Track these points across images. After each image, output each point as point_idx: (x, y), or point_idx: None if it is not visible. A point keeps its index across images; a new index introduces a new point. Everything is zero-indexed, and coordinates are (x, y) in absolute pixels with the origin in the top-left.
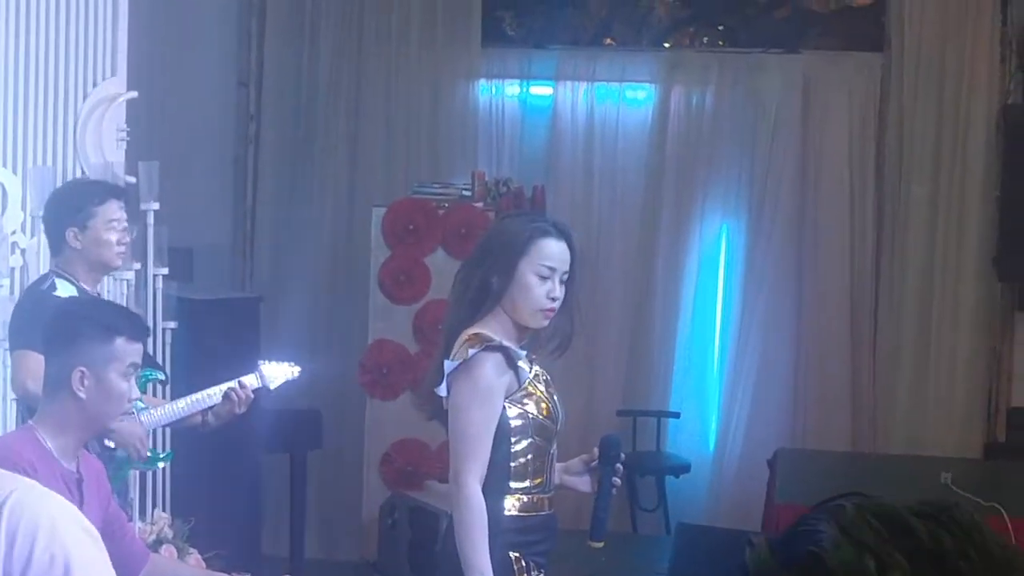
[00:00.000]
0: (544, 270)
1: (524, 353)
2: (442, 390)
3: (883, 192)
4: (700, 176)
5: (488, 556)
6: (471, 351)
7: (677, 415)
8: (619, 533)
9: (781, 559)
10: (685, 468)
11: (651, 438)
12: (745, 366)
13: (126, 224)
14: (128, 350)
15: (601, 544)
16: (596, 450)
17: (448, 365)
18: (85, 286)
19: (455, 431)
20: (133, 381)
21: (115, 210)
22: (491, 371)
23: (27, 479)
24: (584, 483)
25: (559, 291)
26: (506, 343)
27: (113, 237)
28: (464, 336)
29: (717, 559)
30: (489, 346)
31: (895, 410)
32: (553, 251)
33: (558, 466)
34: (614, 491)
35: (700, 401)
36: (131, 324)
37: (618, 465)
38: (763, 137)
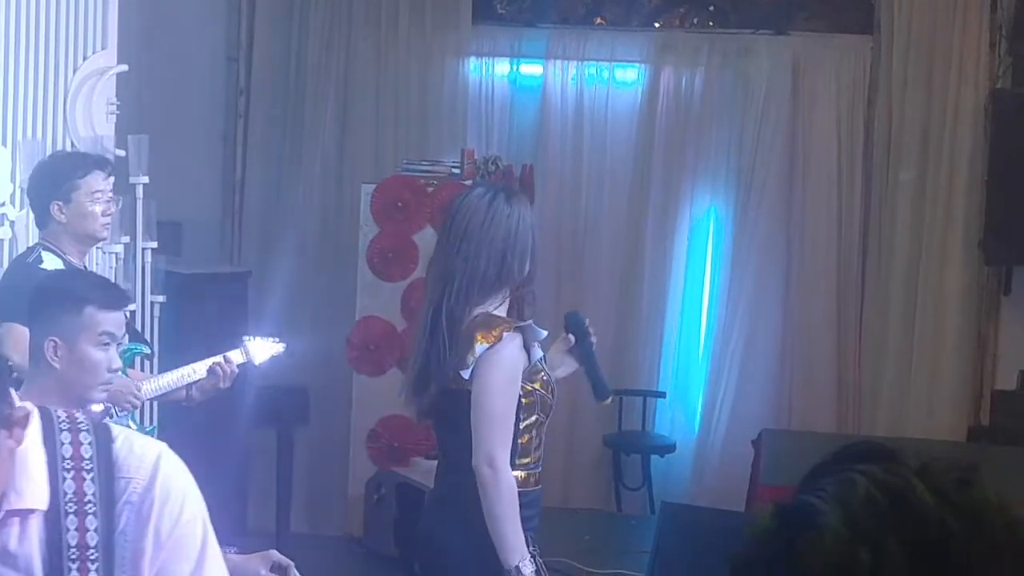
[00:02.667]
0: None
1: (544, 334)
2: (467, 373)
3: (870, 175)
4: (688, 157)
5: (523, 536)
6: (505, 335)
7: (663, 395)
8: (603, 512)
9: (777, 532)
10: (670, 448)
11: (637, 418)
12: (731, 347)
13: (111, 196)
14: (99, 319)
15: (609, 400)
16: (568, 335)
17: (480, 349)
18: (72, 258)
19: (485, 413)
20: (112, 351)
21: (99, 182)
22: (516, 352)
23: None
24: (570, 364)
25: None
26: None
27: (98, 209)
28: (477, 319)
29: (701, 538)
30: (515, 327)
31: (880, 392)
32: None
33: None
34: (591, 354)
35: (686, 381)
36: (104, 293)
37: (589, 333)
38: (752, 119)
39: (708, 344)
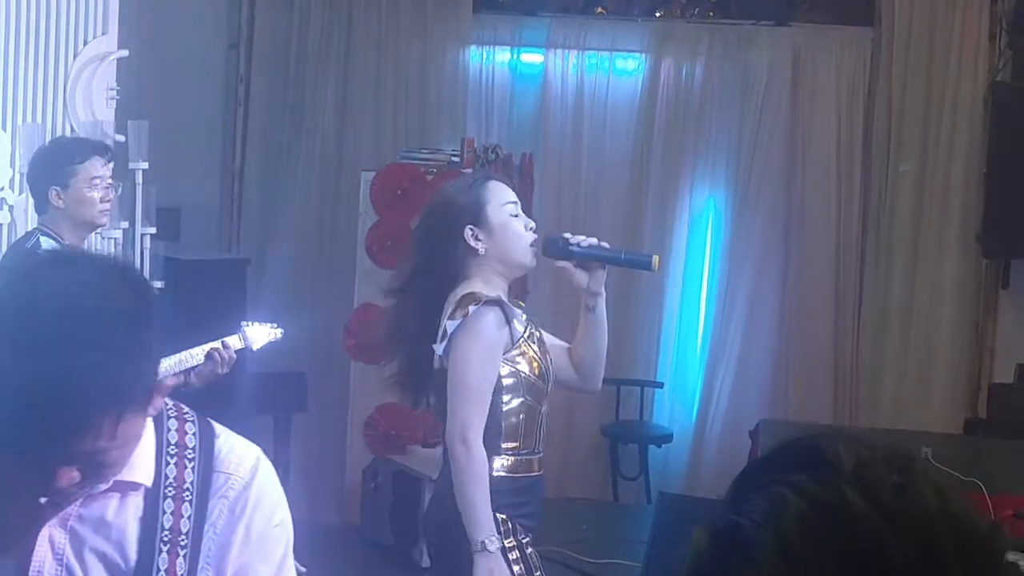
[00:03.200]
0: (511, 207)
1: (520, 312)
2: (440, 349)
3: (870, 167)
4: (688, 147)
5: (491, 516)
6: (472, 308)
7: (661, 385)
8: (600, 502)
9: (713, 560)
10: (668, 438)
11: (634, 407)
12: (729, 338)
13: (110, 182)
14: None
15: (657, 262)
16: (561, 263)
17: (450, 324)
18: (70, 244)
19: (458, 386)
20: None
21: (98, 168)
22: (492, 325)
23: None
24: (597, 280)
25: (530, 220)
26: (503, 298)
27: (96, 195)
28: (457, 296)
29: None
30: (488, 301)
31: (877, 384)
32: (506, 189)
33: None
34: (596, 248)
35: (684, 372)
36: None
37: (571, 244)
38: (751, 110)
39: (706, 335)
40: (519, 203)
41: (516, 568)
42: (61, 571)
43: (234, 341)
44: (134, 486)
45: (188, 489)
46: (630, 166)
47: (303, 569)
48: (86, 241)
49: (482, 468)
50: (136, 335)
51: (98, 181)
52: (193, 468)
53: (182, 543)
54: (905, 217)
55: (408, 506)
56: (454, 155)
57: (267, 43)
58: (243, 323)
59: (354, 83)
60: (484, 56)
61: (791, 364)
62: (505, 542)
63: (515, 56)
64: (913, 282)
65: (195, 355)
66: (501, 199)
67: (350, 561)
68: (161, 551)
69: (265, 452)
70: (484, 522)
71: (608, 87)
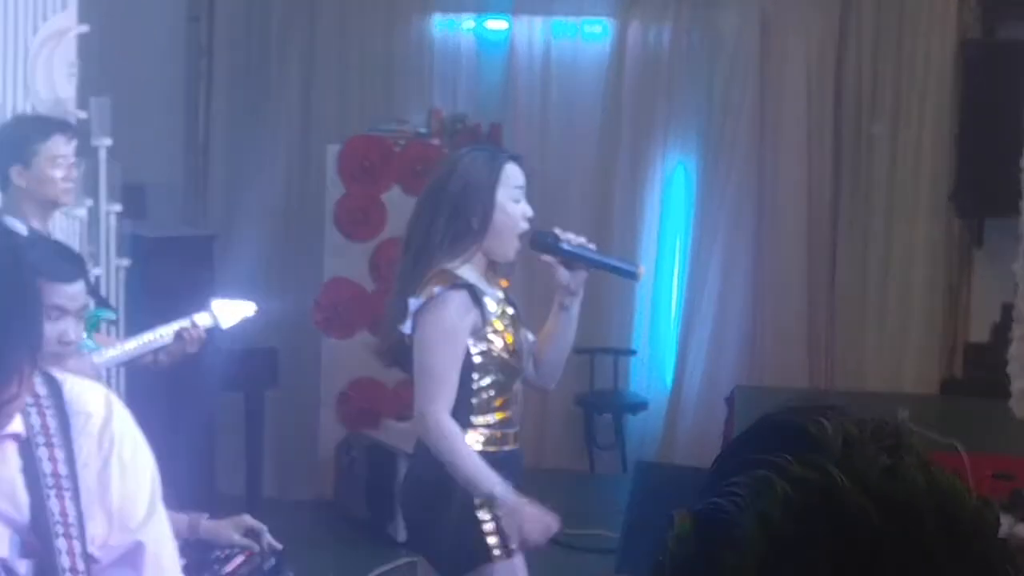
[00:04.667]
0: (518, 193)
1: (497, 293)
2: (407, 327)
3: (841, 129)
4: (658, 114)
5: (486, 467)
6: (436, 289)
7: (634, 353)
8: (576, 471)
9: (696, 545)
10: (643, 406)
11: (608, 376)
12: (703, 304)
13: (73, 160)
14: (48, 291)
15: (642, 271)
16: (545, 258)
17: (413, 303)
18: (34, 223)
19: (421, 369)
20: (65, 323)
21: (60, 146)
22: (455, 310)
23: None
24: (578, 278)
25: (529, 209)
26: (472, 281)
27: (58, 174)
28: (430, 273)
29: (676, 497)
30: (455, 284)
31: (853, 347)
32: (518, 173)
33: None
34: (584, 250)
35: (658, 339)
36: (54, 266)
37: (561, 241)
38: (721, 75)
39: (680, 302)
40: (524, 188)
41: (491, 540)
42: None
43: (203, 319)
44: (14, 436)
45: (54, 434)
46: (599, 133)
47: (279, 546)
48: (50, 220)
49: (457, 436)
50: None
51: (61, 160)
52: (52, 414)
53: (65, 487)
54: (878, 178)
55: (383, 480)
56: (421, 126)
57: (229, 15)
58: (213, 300)
59: (319, 54)
60: (448, 24)
61: (766, 329)
62: (480, 514)
63: (480, 23)
64: (887, 243)
65: (164, 334)
66: (513, 183)
67: (325, 536)
68: (49, 497)
69: (236, 429)
70: (484, 476)
71: (575, 53)
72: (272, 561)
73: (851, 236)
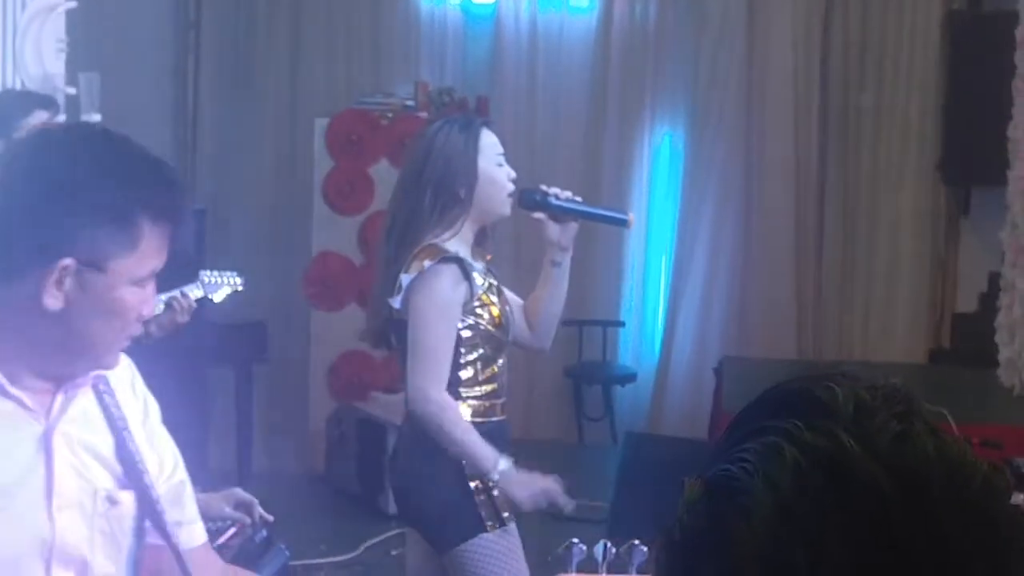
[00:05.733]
0: (500, 158)
1: (480, 266)
2: (396, 302)
3: (828, 101)
4: (645, 84)
5: (483, 441)
6: (427, 263)
7: (623, 324)
8: (565, 443)
9: (706, 511)
10: (631, 377)
11: (597, 348)
12: (691, 276)
13: None
14: None
15: (631, 218)
16: (535, 215)
17: (404, 278)
18: None
19: (415, 345)
20: None
21: (42, 121)
22: (448, 283)
23: None
24: (568, 232)
25: (512, 171)
26: (461, 254)
27: None
28: (417, 249)
29: (665, 467)
30: (444, 258)
31: (840, 317)
32: (495, 139)
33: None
34: (573, 203)
35: (646, 310)
36: None
37: (549, 196)
38: (707, 47)
39: (668, 273)
40: (503, 152)
41: (484, 512)
42: (71, 472)
43: (193, 290)
44: (98, 378)
45: (104, 383)
46: (587, 105)
47: (270, 518)
48: None
49: (455, 411)
50: None
51: None
52: None
53: (129, 426)
54: (865, 149)
55: (373, 453)
56: (408, 99)
57: None
58: (203, 272)
59: (306, 28)
60: None
61: (753, 300)
62: (472, 484)
63: None
64: (874, 213)
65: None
66: (492, 149)
67: (316, 509)
68: (122, 434)
69: (226, 403)
70: (485, 455)
71: (562, 26)
72: (263, 533)
73: (838, 207)
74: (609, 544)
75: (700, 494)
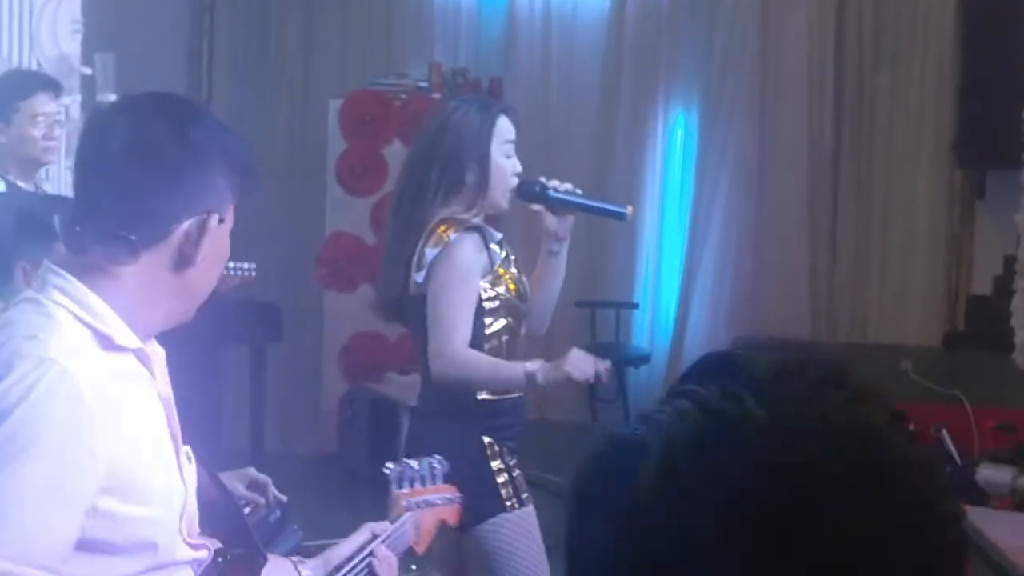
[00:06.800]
0: (509, 148)
1: (499, 236)
2: (420, 276)
3: (843, 81)
4: (659, 64)
5: (508, 363)
6: (452, 235)
7: (636, 306)
8: (578, 424)
9: (603, 464)
10: (645, 359)
11: (611, 329)
12: (705, 257)
13: (59, 118)
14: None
15: (630, 210)
16: (534, 207)
17: (430, 252)
18: (17, 181)
19: (436, 312)
20: None
21: (43, 104)
22: (470, 251)
23: None
24: (565, 224)
25: (519, 164)
26: (481, 224)
27: (39, 133)
28: (435, 221)
29: None
30: (467, 227)
31: (854, 298)
32: (510, 126)
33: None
34: (572, 195)
35: (660, 292)
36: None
37: (548, 188)
38: (722, 27)
39: (681, 254)
40: (515, 142)
41: (504, 491)
42: (175, 421)
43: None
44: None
45: None
46: (600, 86)
47: (283, 498)
48: (35, 177)
49: (476, 356)
50: None
51: (42, 118)
52: None
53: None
54: (879, 130)
55: (386, 433)
56: (422, 80)
57: None
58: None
59: (320, 9)
60: None
61: (767, 281)
62: (493, 464)
63: None
64: (888, 195)
65: None
66: (504, 137)
67: (328, 490)
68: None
69: (240, 383)
70: (515, 371)
71: (575, 6)
72: (277, 513)
73: (852, 188)
74: None
75: (604, 448)
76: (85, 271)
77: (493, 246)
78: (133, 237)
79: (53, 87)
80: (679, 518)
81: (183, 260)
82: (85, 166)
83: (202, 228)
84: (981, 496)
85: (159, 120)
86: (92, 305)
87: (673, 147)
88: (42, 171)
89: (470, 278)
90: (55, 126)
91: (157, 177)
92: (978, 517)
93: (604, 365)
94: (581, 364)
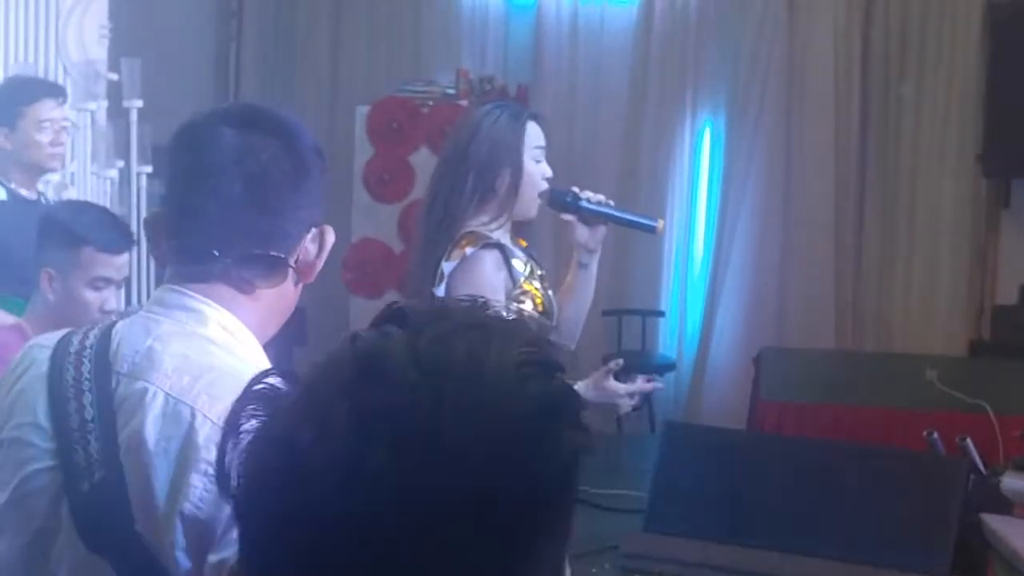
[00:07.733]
0: (539, 153)
1: (522, 252)
2: (440, 290)
3: (869, 90)
4: (686, 73)
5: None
6: (469, 250)
7: (662, 314)
8: (603, 432)
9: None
10: (670, 367)
11: (636, 337)
12: (731, 265)
13: (65, 125)
14: (96, 261)
15: (661, 224)
16: (565, 217)
17: (447, 266)
18: (20, 189)
19: None
20: (108, 292)
21: (48, 110)
22: (490, 268)
23: None
24: (596, 235)
25: (549, 169)
26: (502, 241)
27: (44, 138)
28: (458, 236)
29: (703, 456)
30: (487, 244)
31: (880, 308)
32: (539, 132)
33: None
34: (604, 207)
35: (686, 300)
36: (104, 235)
37: (581, 199)
38: (749, 35)
39: (707, 262)
40: (545, 148)
41: None
42: None
43: None
44: None
45: None
46: (627, 94)
47: None
48: (39, 184)
49: None
50: None
51: (47, 124)
52: None
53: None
54: (905, 139)
55: None
56: (449, 87)
57: None
58: None
59: (347, 15)
60: None
61: (793, 290)
62: None
63: None
64: (914, 204)
65: None
66: (533, 142)
67: None
68: None
69: None
70: None
71: (603, 14)
72: None
73: (878, 197)
74: None
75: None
76: (221, 294)
77: (515, 262)
78: (283, 256)
79: (58, 93)
80: (308, 435)
81: (304, 273)
82: (213, 188)
83: (322, 240)
84: (1005, 505)
85: (280, 135)
86: (237, 332)
87: (699, 154)
88: (41, 182)
89: (492, 296)
90: (61, 132)
91: (293, 194)
92: (1002, 526)
93: (646, 386)
94: (624, 398)
